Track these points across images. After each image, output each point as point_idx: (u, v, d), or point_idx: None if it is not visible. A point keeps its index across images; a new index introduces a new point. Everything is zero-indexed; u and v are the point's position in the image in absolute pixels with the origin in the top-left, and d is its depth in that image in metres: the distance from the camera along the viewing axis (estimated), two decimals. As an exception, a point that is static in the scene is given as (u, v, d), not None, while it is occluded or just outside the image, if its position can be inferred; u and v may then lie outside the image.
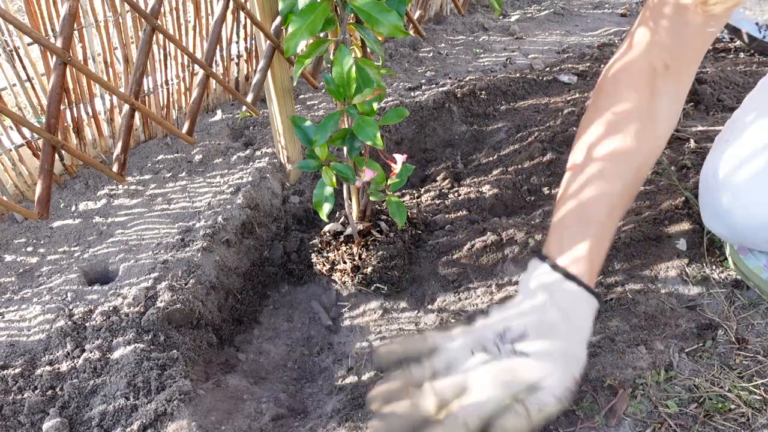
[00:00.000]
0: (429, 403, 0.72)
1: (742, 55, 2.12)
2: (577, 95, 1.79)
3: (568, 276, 0.80)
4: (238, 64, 1.83)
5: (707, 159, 0.98)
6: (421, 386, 0.74)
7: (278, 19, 1.33)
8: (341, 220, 1.25)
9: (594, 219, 0.83)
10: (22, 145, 1.41)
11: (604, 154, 0.84)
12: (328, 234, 1.24)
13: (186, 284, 1.18)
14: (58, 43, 1.12)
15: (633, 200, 0.93)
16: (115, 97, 1.54)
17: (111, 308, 1.12)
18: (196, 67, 1.60)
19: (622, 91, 0.86)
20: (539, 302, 0.80)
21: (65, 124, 1.46)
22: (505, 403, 0.72)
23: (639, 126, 0.84)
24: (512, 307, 0.81)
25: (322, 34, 1.00)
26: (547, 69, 2.05)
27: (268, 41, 1.33)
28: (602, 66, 2.00)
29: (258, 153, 1.60)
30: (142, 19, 1.24)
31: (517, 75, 1.96)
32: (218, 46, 1.68)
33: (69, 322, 1.09)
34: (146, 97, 1.59)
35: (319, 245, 1.24)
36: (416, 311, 1.14)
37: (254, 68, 1.87)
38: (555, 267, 0.81)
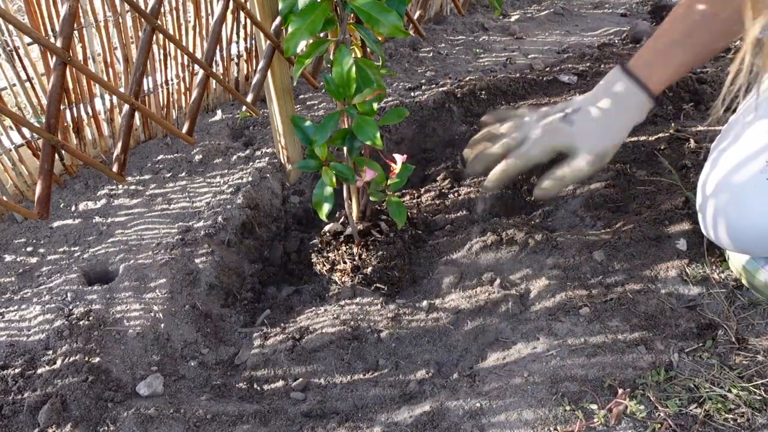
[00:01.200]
0: (498, 148, 1.08)
1: (742, 55, 2.12)
2: (577, 95, 1.79)
3: (630, 75, 1.01)
4: (238, 64, 1.83)
5: (705, 168, 0.98)
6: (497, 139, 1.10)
7: (278, 19, 1.33)
8: (341, 220, 1.25)
9: (669, 41, 1.01)
10: (22, 145, 1.41)
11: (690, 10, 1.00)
12: (328, 234, 1.24)
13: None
14: (58, 43, 1.12)
15: (708, 53, 1.06)
16: (115, 97, 1.54)
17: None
18: (196, 67, 1.60)
19: None
20: (600, 89, 1.05)
21: (65, 124, 1.46)
22: (549, 154, 1.05)
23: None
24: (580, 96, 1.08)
25: (322, 34, 1.00)
26: (547, 69, 2.05)
27: (268, 41, 1.33)
28: (602, 66, 2.00)
29: (258, 153, 1.60)
30: (142, 19, 1.24)
31: (517, 75, 1.96)
32: (218, 46, 1.68)
33: (66, 322, 1.09)
34: (146, 97, 1.59)
35: (319, 245, 1.24)
36: (414, 310, 1.14)
37: (254, 68, 1.87)
38: (623, 66, 1.03)
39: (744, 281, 1.02)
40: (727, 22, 0.97)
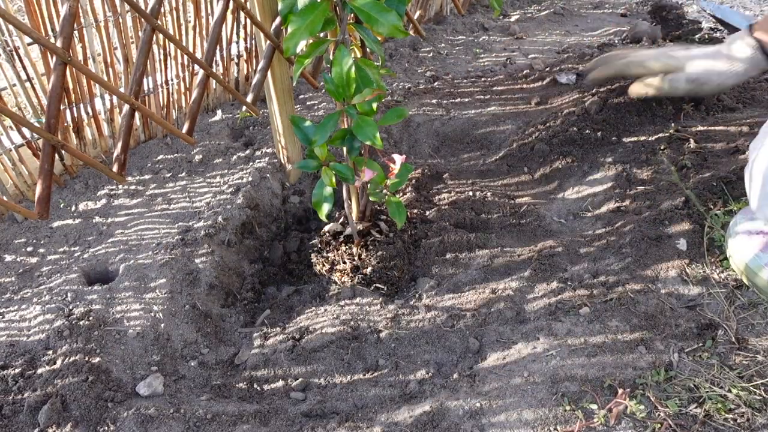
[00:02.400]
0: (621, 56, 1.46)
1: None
2: (577, 95, 1.79)
3: (752, 35, 1.22)
4: (238, 64, 1.83)
5: (756, 160, 0.99)
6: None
7: (278, 20, 1.33)
8: (341, 221, 1.25)
9: None
10: (22, 145, 1.41)
11: None
12: (327, 234, 1.24)
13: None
14: (58, 43, 1.12)
15: None
16: (115, 97, 1.54)
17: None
18: (196, 67, 1.60)
19: None
20: (723, 44, 1.28)
21: (65, 124, 1.46)
22: (661, 64, 1.35)
23: None
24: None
25: (321, 34, 1.00)
26: (547, 69, 2.05)
27: (268, 41, 1.33)
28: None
29: (258, 153, 1.60)
30: (142, 19, 1.24)
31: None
32: (218, 46, 1.68)
33: (66, 322, 1.09)
34: (146, 97, 1.59)
35: (319, 245, 1.24)
36: (414, 310, 1.14)
37: (254, 68, 1.87)
38: (749, 28, 1.23)
39: (746, 280, 1.02)
40: None
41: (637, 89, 1.42)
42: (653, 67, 1.37)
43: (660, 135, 1.53)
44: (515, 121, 1.76)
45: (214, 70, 1.43)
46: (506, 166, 1.60)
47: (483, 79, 1.99)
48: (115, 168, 1.31)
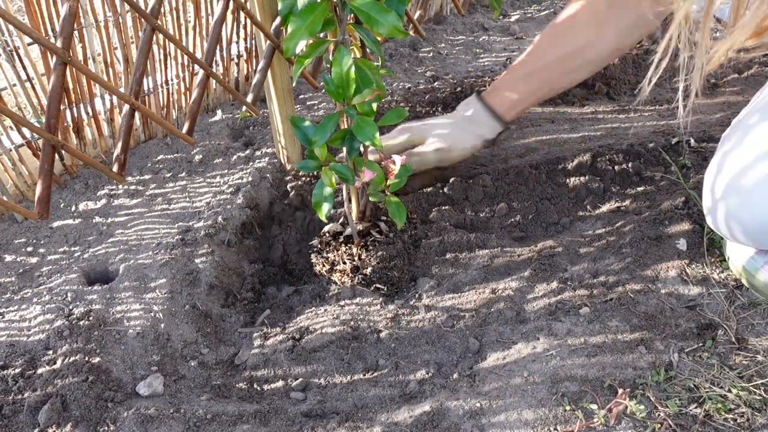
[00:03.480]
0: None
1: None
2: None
3: (482, 100, 1.30)
4: (238, 64, 1.83)
5: (712, 162, 0.98)
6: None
7: (278, 20, 1.33)
8: (341, 221, 1.25)
9: (517, 75, 1.29)
10: (22, 145, 1.41)
11: (546, 42, 1.26)
12: (327, 234, 1.24)
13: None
14: (58, 43, 1.12)
15: (560, 81, 1.29)
16: (115, 97, 1.54)
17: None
18: (196, 67, 1.60)
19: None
20: (456, 111, 1.35)
21: (65, 124, 1.46)
22: (403, 144, 1.34)
23: (583, 30, 1.19)
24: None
25: (321, 35, 1.00)
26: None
27: (268, 41, 1.33)
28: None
29: (258, 153, 1.60)
30: (142, 19, 1.24)
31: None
32: (218, 46, 1.68)
33: (66, 322, 1.09)
34: (146, 97, 1.59)
35: (319, 246, 1.24)
36: (414, 310, 1.14)
37: (254, 68, 1.87)
38: (478, 94, 1.32)
39: (744, 281, 1.02)
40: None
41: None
42: (394, 150, 1.33)
43: (660, 135, 1.53)
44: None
45: (214, 70, 1.43)
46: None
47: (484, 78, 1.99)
48: (115, 168, 1.31)
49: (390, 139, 1.34)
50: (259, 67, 1.38)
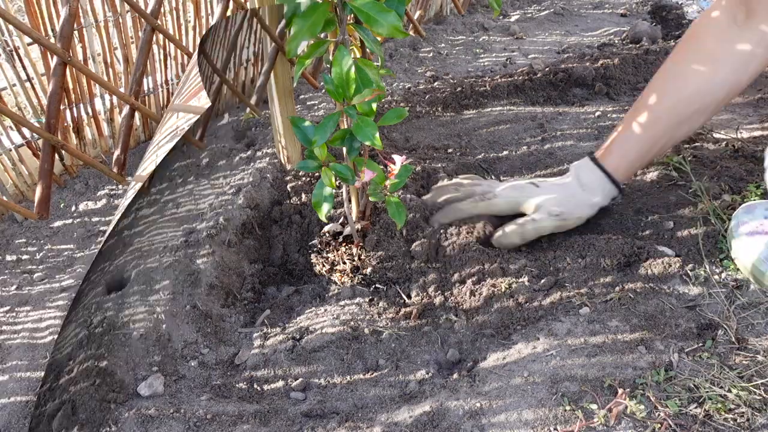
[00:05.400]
0: (462, 194, 1.25)
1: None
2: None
3: (596, 163, 1.16)
4: (246, 68, 1.83)
5: None
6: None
7: (282, 22, 1.33)
8: (341, 221, 1.25)
9: (630, 132, 1.15)
10: (22, 145, 1.42)
11: (655, 92, 1.13)
12: (327, 234, 1.24)
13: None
14: (58, 43, 1.12)
15: (680, 129, 1.16)
16: (115, 97, 1.54)
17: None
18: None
19: (688, 41, 1.12)
20: (568, 175, 1.21)
21: (65, 124, 1.46)
22: (512, 206, 1.19)
23: (694, 71, 1.08)
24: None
25: (321, 35, 1.00)
26: (547, 69, 2.05)
27: (273, 44, 1.33)
28: (601, 66, 2.00)
29: (259, 153, 1.60)
30: (142, 19, 1.24)
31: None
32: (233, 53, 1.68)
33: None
34: (146, 97, 1.59)
35: (319, 246, 1.24)
36: (414, 310, 1.14)
37: (259, 71, 1.87)
38: (590, 156, 1.18)
39: (753, 280, 1.02)
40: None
41: (502, 240, 1.20)
42: (500, 206, 1.20)
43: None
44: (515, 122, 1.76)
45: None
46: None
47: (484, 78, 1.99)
48: (115, 168, 1.31)
49: (501, 196, 1.20)
50: (263, 70, 1.38)
